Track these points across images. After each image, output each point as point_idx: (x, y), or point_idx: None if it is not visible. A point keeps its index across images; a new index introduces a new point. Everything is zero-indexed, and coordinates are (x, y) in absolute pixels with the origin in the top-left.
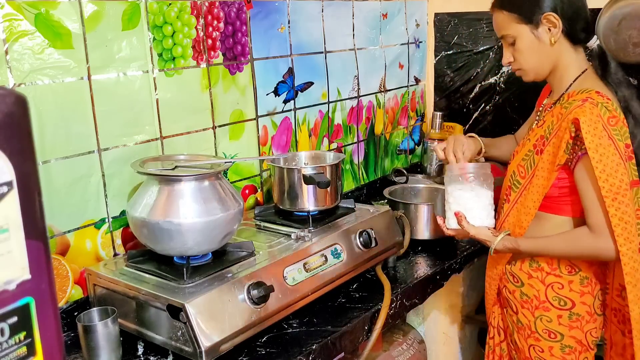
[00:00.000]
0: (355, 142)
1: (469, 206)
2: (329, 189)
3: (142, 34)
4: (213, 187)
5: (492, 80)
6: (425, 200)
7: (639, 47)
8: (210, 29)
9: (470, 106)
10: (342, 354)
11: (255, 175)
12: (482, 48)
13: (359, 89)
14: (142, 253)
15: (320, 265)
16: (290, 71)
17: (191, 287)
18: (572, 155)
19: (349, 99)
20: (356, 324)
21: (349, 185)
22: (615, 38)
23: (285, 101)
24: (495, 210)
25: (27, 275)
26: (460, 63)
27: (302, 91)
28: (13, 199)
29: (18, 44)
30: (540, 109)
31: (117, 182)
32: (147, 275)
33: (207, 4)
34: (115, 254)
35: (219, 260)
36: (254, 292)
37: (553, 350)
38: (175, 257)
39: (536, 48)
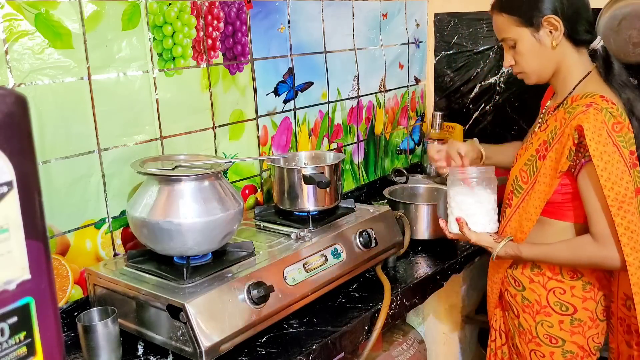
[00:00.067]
0: (355, 142)
1: (471, 212)
2: (328, 189)
3: (142, 34)
4: (213, 187)
5: (492, 80)
6: (425, 200)
7: (639, 47)
8: (210, 29)
9: (470, 106)
10: (342, 354)
11: (255, 175)
12: (482, 48)
13: (359, 89)
14: (142, 253)
15: (320, 265)
16: (290, 71)
17: (191, 287)
18: (575, 162)
19: (349, 99)
20: (356, 324)
21: (349, 185)
22: (615, 38)
23: (285, 101)
24: (499, 212)
25: (27, 275)
26: (460, 63)
27: (302, 91)
28: (13, 199)
29: (18, 44)
30: (544, 111)
31: (117, 182)
32: (147, 275)
33: (207, 4)
34: (115, 254)
35: (219, 260)
36: (254, 292)
37: (554, 356)
38: (175, 257)
39: (537, 51)
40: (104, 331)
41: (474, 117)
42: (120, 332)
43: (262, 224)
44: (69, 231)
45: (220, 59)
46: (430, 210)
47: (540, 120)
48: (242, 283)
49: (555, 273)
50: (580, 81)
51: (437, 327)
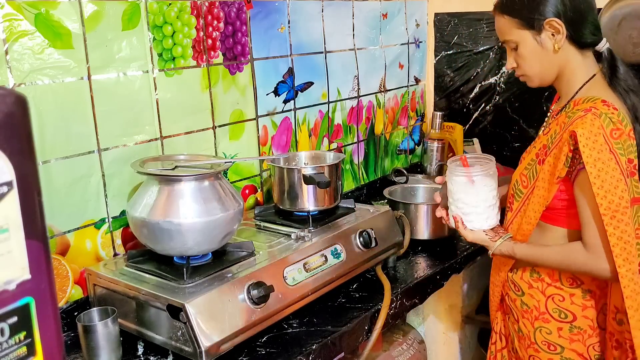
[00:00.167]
0: (355, 142)
1: (469, 210)
2: (328, 189)
3: (142, 34)
4: (213, 187)
5: (492, 80)
6: (425, 200)
7: (639, 47)
8: (210, 29)
9: (470, 106)
10: (342, 354)
11: (255, 175)
12: (482, 48)
13: (359, 89)
14: (142, 253)
15: (320, 265)
16: (290, 71)
17: (191, 287)
18: (572, 168)
19: (349, 99)
20: (356, 324)
21: (349, 185)
22: (615, 38)
23: (285, 101)
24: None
25: (27, 275)
26: (460, 63)
27: (302, 91)
28: (13, 199)
29: (18, 44)
30: (548, 114)
31: (117, 182)
32: (147, 275)
33: (207, 4)
34: (115, 254)
35: (219, 260)
36: (254, 292)
37: None
38: (175, 257)
39: (539, 54)
40: (104, 331)
41: (474, 117)
42: (120, 332)
43: (262, 224)
44: (69, 231)
45: (220, 59)
46: (430, 210)
47: (544, 124)
48: (242, 283)
49: (555, 280)
50: (584, 84)
51: (437, 327)
